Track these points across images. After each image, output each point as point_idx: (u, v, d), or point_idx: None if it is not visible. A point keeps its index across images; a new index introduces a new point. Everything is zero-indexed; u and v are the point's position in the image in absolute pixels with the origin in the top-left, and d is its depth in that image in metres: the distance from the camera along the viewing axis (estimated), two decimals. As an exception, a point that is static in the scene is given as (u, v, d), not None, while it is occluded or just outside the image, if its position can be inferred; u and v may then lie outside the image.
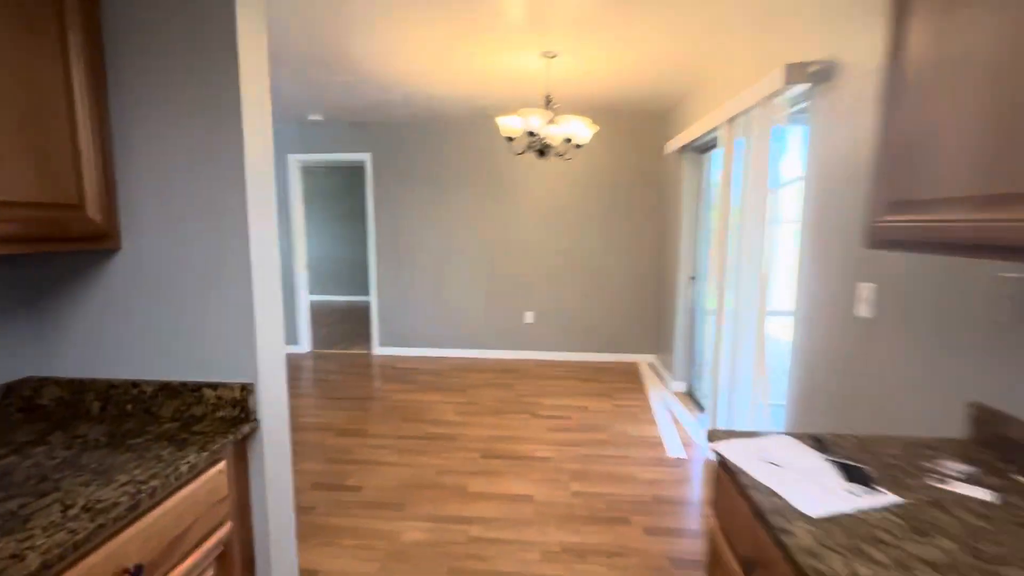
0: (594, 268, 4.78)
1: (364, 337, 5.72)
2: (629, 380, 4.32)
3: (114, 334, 1.30)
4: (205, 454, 1.10)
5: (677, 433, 3.24)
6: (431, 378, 4.34)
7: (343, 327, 6.50)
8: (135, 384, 1.29)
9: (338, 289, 8.74)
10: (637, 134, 4.58)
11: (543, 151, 3.04)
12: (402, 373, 4.50)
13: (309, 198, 8.64)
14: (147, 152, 1.22)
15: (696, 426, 3.34)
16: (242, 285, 1.25)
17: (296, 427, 3.30)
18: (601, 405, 3.74)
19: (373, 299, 5.07)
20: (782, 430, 1.69)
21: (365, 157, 4.90)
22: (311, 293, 8.82)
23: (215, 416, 1.27)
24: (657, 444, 3.09)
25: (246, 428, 1.24)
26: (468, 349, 4.99)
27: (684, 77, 3.33)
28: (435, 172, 4.83)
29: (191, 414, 1.28)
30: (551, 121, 2.96)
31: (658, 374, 4.46)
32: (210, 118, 1.19)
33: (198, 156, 1.21)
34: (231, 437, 1.19)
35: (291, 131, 4.94)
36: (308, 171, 8.20)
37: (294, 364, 4.77)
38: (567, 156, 3.19)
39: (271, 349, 1.34)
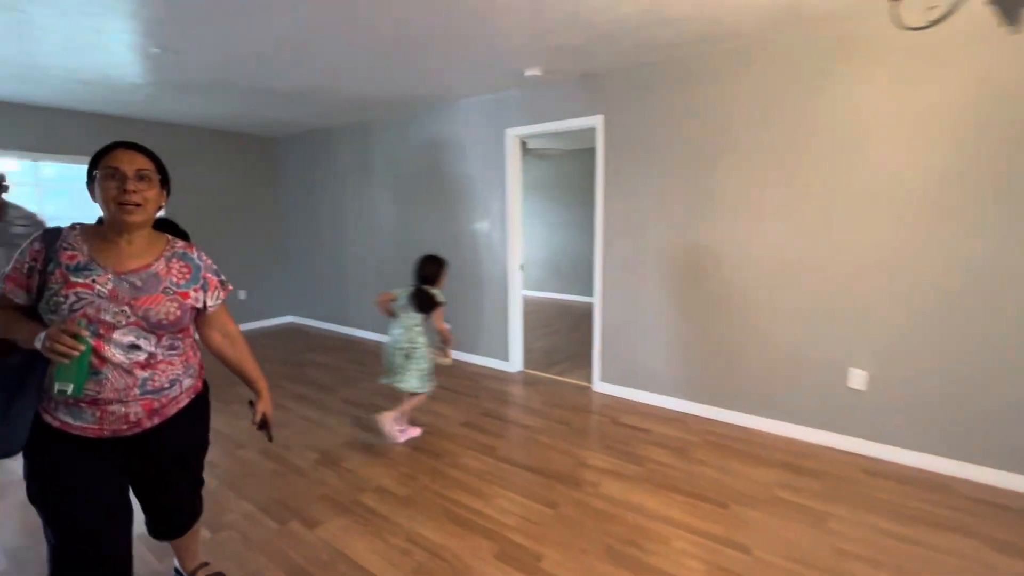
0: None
1: (591, 359, 4.44)
2: None
3: None
4: None
5: None
6: (670, 459, 2.73)
7: (571, 337, 5.38)
8: None
9: (576, 288, 7.75)
10: None
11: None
12: (626, 436, 3.01)
13: (546, 186, 7.88)
14: None
15: None
16: None
17: (441, 515, 2.23)
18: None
19: (596, 318, 3.71)
20: None
21: (596, 120, 3.53)
22: (548, 291, 8.11)
23: None
24: None
25: None
26: (738, 413, 3.14)
27: None
28: (692, 134, 3.10)
29: None
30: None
31: None
32: None
33: None
34: None
35: (509, 97, 3.96)
36: (543, 157, 7.37)
37: (495, 388, 3.83)
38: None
39: None
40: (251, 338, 5.52)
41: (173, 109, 4.46)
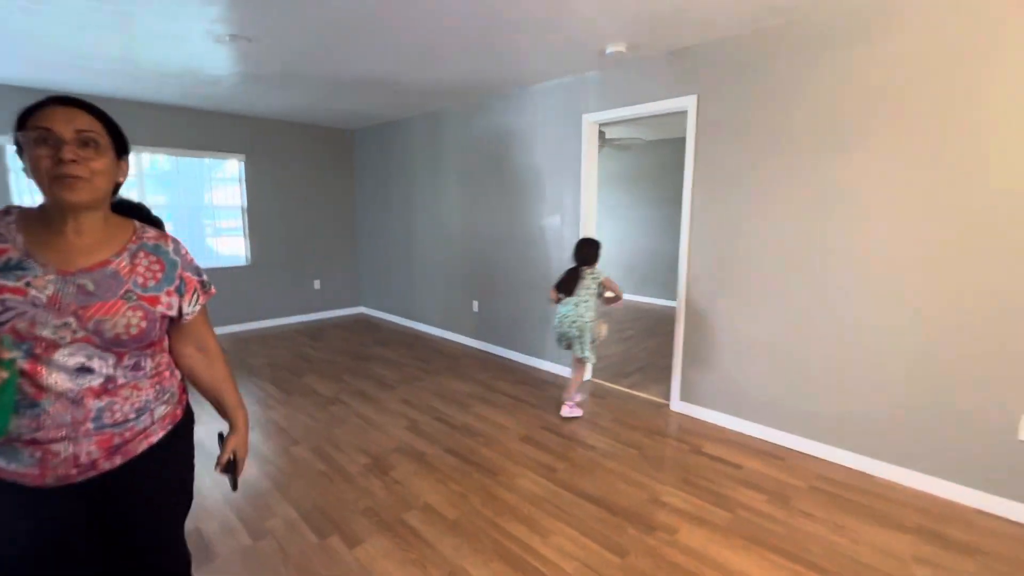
0: None
1: (669, 372, 3.99)
2: None
3: None
4: None
5: None
6: (767, 506, 2.26)
7: (647, 345, 4.92)
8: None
9: (654, 290, 7.19)
10: None
11: None
12: (710, 471, 2.57)
13: (624, 178, 7.37)
14: None
15: None
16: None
17: (490, 549, 1.95)
18: None
19: (678, 326, 3.26)
20: None
21: (687, 102, 3.07)
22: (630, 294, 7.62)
23: None
24: None
25: None
26: (857, 455, 2.58)
27: None
28: (807, 115, 2.55)
29: None
30: None
31: None
32: None
33: None
34: None
35: (586, 80, 3.59)
36: (621, 147, 6.86)
37: (559, 399, 3.51)
38: None
39: None
40: (322, 328, 5.63)
41: (255, 102, 4.57)
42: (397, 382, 3.88)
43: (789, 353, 2.76)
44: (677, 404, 3.30)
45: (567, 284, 3.15)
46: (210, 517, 2.15)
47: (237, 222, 5.39)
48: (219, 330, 5.28)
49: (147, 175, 4.79)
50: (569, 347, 3.24)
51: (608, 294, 3.19)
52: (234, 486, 1.21)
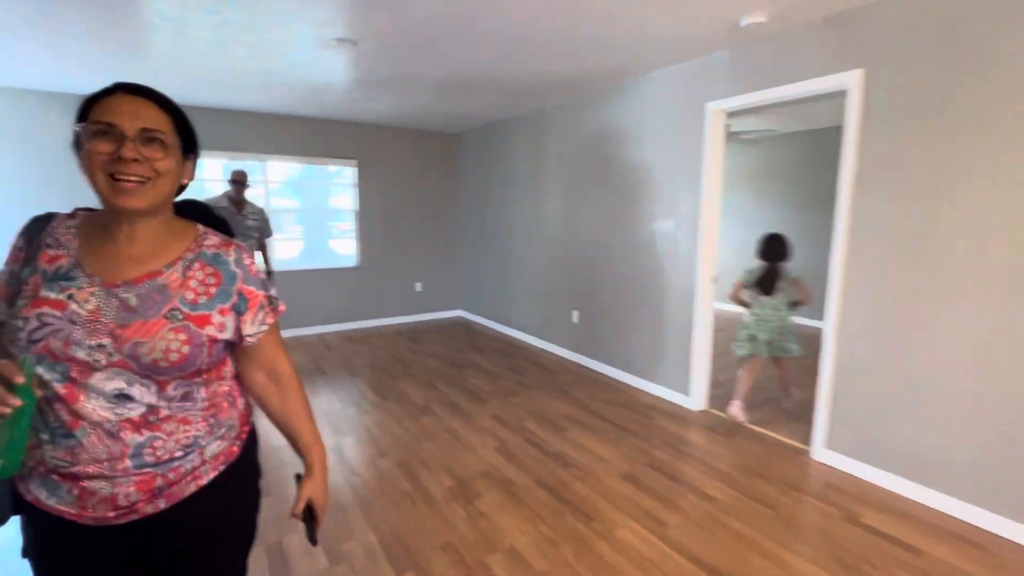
0: None
1: (810, 409, 3.31)
2: None
3: None
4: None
5: None
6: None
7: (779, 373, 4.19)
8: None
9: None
10: None
11: None
12: (872, 550, 1.97)
13: (749, 178, 6.51)
14: None
15: None
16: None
17: (595, 624, 1.62)
18: None
19: (827, 354, 2.64)
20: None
21: (849, 79, 2.45)
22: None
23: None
24: None
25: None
26: (1100, 553, 1.83)
27: None
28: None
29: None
30: None
31: None
32: None
33: None
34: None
35: (712, 62, 3.08)
36: (747, 142, 6.02)
37: (669, 430, 3.04)
38: None
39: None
40: (421, 330, 5.67)
41: (366, 109, 4.70)
42: (490, 395, 3.68)
43: (1004, 407, 2.05)
44: (821, 452, 2.67)
45: (768, 283, 3.06)
46: (294, 530, 2.10)
47: (351, 225, 5.64)
48: (329, 328, 5.56)
49: (277, 181, 5.17)
50: (762, 352, 3.14)
51: (796, 296, 3.05)
52: (312, 539, 0.98)
